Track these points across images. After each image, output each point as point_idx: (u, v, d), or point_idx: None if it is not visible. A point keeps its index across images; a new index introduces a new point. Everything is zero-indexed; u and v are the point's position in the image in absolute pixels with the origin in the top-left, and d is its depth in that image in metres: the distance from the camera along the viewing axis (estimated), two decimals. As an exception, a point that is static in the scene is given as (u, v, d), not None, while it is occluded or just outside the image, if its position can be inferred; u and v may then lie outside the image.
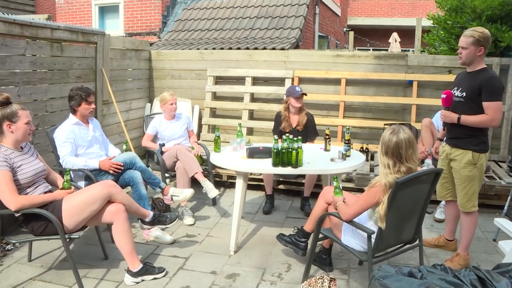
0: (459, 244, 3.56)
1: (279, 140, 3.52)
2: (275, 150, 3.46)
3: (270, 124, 5.89)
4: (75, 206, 2.99)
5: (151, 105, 6.55)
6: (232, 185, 5.39)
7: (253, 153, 3.75)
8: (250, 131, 6.27)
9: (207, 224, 4.33)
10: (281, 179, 5.08)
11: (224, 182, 5.44)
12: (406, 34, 12.40)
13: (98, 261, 3.51)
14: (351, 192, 3.50)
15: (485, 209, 4.56)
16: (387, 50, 11.46)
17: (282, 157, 3.47)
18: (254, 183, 5.22)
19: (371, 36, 14.98)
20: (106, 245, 3.59)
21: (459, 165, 3.30)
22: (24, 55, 4.18)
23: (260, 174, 4.86)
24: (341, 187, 3.10)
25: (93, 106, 3.91)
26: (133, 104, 6.24)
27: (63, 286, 3.15)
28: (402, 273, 1.83)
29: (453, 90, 3.33)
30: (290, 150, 3.44)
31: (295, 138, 3.48)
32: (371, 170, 4.96)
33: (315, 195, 4.65)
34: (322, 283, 2.89)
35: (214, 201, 4.85)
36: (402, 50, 11.25)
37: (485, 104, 3.13)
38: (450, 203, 3.65)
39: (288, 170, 3.50)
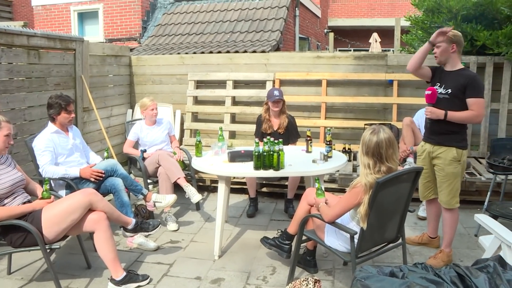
0: (442, 241, 3.60)
1: (260, 143, 3.52)
2: (257, 153, 3.46)
3: (253, 127, 5.88)
4: (55, 215, 2.94)
5: (133, 111, 6.50)
6: (216, 189, 5.33)
7: (235, 157, 3.74)
8: (233, 135, 6.27)
9: (191, 230, 4.30)
10: (264, 182, 5.08)
11: (208, 187, 5.42)
12: (386, 34, 12.52)
13: (80, 270, 3.45)
14: (334, 193, 3.52)
15: (466, 205, 4.62)
16: (367, 50, 11.58)
17: (263, 160, 3.47)
18: (238, 187, 5.20)
19: (351, 37, 15.12)
20: (89, 254, 3.53)
21: (444, 162, 3.34)
22: (-1, 63, 4.11)
23: (243, 177, 4.85)
24: (323, 188, 3.11)
25: (72, 115, 3.86)
26: (114, 111, 6.18)
27: (45, 298, 3.10)
28: (383, 273, 1.84)
29: (436, 87, 3.37)
30: (272, 152, 3.44)
31: (276, 141, 3.48)
32: (354, 170, 4.99)
33: (298, 197, 4.66)
34: (307, 285, 2.89)
35: (197, 206, 4.82)
36: (382, 50, 11.37)
37: (470, 100, 3.20)
38: (431, 201, 3.69)
39: (269, 173, 3.50)
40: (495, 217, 3.40)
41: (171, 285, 3.24)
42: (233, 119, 6.28)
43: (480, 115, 3.26)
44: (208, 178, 5.33)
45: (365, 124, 5.29)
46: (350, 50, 14.90)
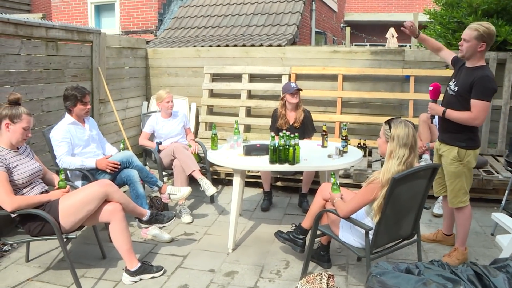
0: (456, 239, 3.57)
1: (276, 137, 3.51)
2: (272, 147, 3.45)
3: (268, 121, 5.87)
4: (72, 205, 2.98)
5: (148, 103, 6.53)
6: (230, 183, 5.37)
7: (250, 150, 3.74)
8: (248, 128, 6.26)
9: (205, 222, 4.32)
10: (279, 176, 5.07)
11: (222, 180, 5.43)
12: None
13: (96, 260, 3.50)
14: (349, 188, 3.49)
15: (483, 203, 4.57)
16: (384, 45, 11.44)
17: (279, 154, 3.46)
18: (252, 180, 5.21)
19: (368, 32, 14.96)
20: (104, 244, 3.58)
21: (446, 161, 3.31)
22: (19, 54, 4.16)
23: (258, 171, 4.85)
24: (338, 184, 3.09)
25: (88, 106, 3.89)
26: (130, 103, 6.22)
27: (61, 286, 3.14)
28: (399, 269, 1.82)
29: (450, 82, 3.32)
30: (287, 147, 3.43)
31: (292, 135, 3.47)
32: (369, 166, 4.96)
33: (313, 192, 4.65)
34: (321, 280, 2.89)
35: (212, 199, 4.84)
36: (399, 45, 11.22)
37: (473, 101, 3.09)
38: (446, 199, 3.65)
39: (285, 167, 3.49)
40: (513, 216, 3.34)
41: (185, 277, 3.26)
42: (248, 112, 6.27)
43: (478, 118, 3.10)
44: (222, 172, 5.34)
45: (385, 122, 5.23)
46: (366, 45, 14.74)
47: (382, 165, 4.91)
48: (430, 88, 3.26)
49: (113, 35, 6.07)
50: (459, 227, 3.41)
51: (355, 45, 14.78)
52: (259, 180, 5.02)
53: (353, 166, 4.67)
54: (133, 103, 6.33)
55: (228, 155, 3.77)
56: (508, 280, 1.65)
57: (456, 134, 3.22)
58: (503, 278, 1.66)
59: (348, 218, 2.74)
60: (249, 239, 3.95)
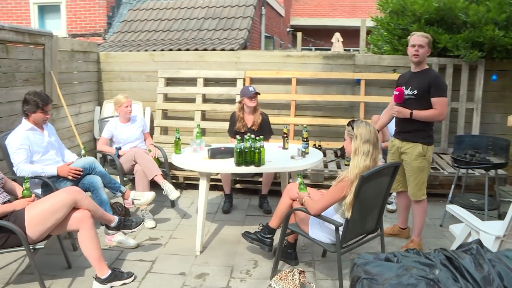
0: (412, 231, 3.83)
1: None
2: (238, 150, 3.53)
3: (223, 125, 5.97)
4: (39, 214, 2.90)
5: (101, 108, 6.38)
6: (189, 187, 5.42)
7: (215, 153, 3.80)
8: (203, 132, 6.28)
9: (168, 227, 4.32)
10: (238, 179, 5.16)
11: (181, 184, 5.43)
12: (347, 34, 12.90)
13: (61, 270, 3.40)
14: (319, 189, 3.64)
15: (430, 198, 4.85)
16: (329, 49, 11.87)
17: (245, 157, 3.55)
18: (212, 183, 5.23)
19: (313, 36, 15.41)
20: (68, 253, 3.49)
21: (411, 157, 3.56)
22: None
23: (217, 174, 4.90)
24: (304, 183, 3.23)
25: (48, 116, 3.77)
26: (82, 108, 6.05)
27: (27, 299, 3.05)
28: (379, 259, 1.97)
29: (403, 88, 3.57)
30: (253, 149, 3.53)
31: (257, 138, 3.57)
32: (325, 166, 5.16)
33: (272, 193, 4.81)
34: (293, 276, 3.03)
35: (172, 203, 4.83)
36: (344, 50, 11.70)
37: (434, 99, 3.43)
38: (401, 194, 3.91)
39: (251, 169, 3.59)
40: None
41: (156, 282, 3.26)
42: (203, 116, 6.31)
43: (443, 113, 3.51)
44: (181, 175, 5.34)
45: (349, 122, 5.45)
46: (312, 49, 15.19)
47: (337, 165, 5.17)
48: (396, 93, 3.49)
49: (65, 38, 5.88)
50: (416, 219, 3.69)
51: (302, 49, 15.19)
52: (218, 183, 5.08)
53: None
54: (85, 108, 6.16)
55: (193, 159, 3.80)
56: (473, 261, 1.85)
57: (419, 132, 3.53)
58: (469, 259, 1.86)
59: (318, 216, 2.88)
60: (215, 241, 4.00)
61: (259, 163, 3.56)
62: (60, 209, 2.95)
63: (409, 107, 3.49)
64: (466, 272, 1.80)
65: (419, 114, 3.46)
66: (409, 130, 3.57)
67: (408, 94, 3.53)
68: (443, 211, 4.37)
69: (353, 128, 2.86)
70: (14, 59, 4.59)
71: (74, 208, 3.06)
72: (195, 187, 5.28)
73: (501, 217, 4.17)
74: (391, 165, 2.99)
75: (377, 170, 2.79)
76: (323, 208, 2.85)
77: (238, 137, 3.62)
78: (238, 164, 3.56)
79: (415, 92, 3.49)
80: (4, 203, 2.99)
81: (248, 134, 3.66)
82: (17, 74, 4.64)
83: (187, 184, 5.37)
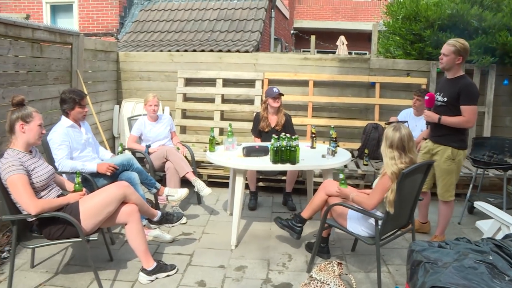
0: (436, 227, 4.00)
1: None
2: (275, 148, 3.69)
3: (242, 124, 6.14)
4: (92, 207, 3.02)
5: (120, 107, 6.49)
6: (212, 184, 5.54)
7: (250, 151, 3.96)
8: (222, 132, 6.43)
9: (199, 222, 4.46)
10: (261, 177, 5.30)
11: (204, 182, 5.54)
12: (350, 37, 13.10)
13: (104, 263, 3.53)
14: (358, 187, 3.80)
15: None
16: (334, 52, 12.07)
17: (281, 155, 3.71)
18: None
19: (316, 39, 15.61)
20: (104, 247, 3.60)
21: (440, 159, 3.72)
22: (7, 55, 4.06)
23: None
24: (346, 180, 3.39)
25: (86, 109, 3.90)
26: (102, 106, 6.17)
27: (76, 289, 3.17)
28: (433, 246, 2.15)
29: (436, 95, 3.75)
30: (289, 148, 3.69)
31: (293, 137, 3.73)
32: (345, 166, 5.32)
33: (295, 191, 4.99)
34: (332, 267, 3.19)
35: (199, 200, 4.98)
36: (349, 52, 11.91)
37: (462, 107, 3.54)
38: (422, 193, 4.07)
39: (287, 167, 3.75)
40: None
41: (198, 274, 3.40)
42: (222, 116, 6.45)
43: (471, 121, 3.59)
44: (205, 173, 5.48)
45: (385, 123, 5.58)
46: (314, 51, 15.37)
47: (356, 165, 5.35)
48: (427, 98, 3.66)
49: (89, 38, 5.99)
50: (442, 217, 3.86)
51: (303, 51, 15.39)
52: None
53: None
54: (106, 107, 6.28)
55: (229, 157, 3.95)
56: (522, 249, 2.04)
57: (450, 135, 3.65)
58: (519, 246, 2.05)
59: (362, 211, 3.05)
60: (247, 236, 4.15)
61: (294, 161, 3.72)
62: (111, 203, 3.08)
63: (439, 113, 3.63)
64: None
65: (447, 120, 3.60)
66: (440, 133, 3.70)
67: (439, 100, 3.68)
68: (460, 210, 4.57)
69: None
70: (47, 58, 4.71)
71: (123, 203, 3.19)
72: (219, 184, 5.46)
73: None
74: (425, 163, 3.16)
75: (415, 168, 2.96)
76: (378, 202, 3.01)
77: (274, 135, 3.77)
78: (275, 161, 3.72)
79: (445, 99, 3.63)
80: (58, 196, 3.11)
81: (284, 133, 3.81)
82: (49, 73, 4.75)
83: (211, 182, 5.50)
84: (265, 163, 3.80)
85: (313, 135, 4.40)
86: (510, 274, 1.80)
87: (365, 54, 9.51)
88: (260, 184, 5.38)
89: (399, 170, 2.90)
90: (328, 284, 3.04)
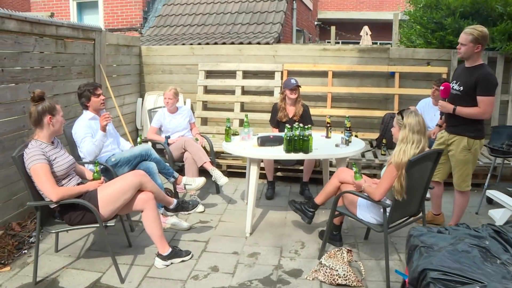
0: (451, 218, 3.98)
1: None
2: (288, 138, 3.76)
3: (261, 116, 6.21)
4: (110, 195, 3.17)
5: (142, 100, 6.68)
6: (231, 174, 5.67)
7: (264, 141, 4.03)
8: (241, 123, 6.51)
9: (216, 211, 4.58)
10: (279, 167, 5.37)
11: (223, 172, 5.66)
12: (375, 27, 12.95)
13: (123, 248, 3.69)
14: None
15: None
16: (358, 42, 11.96)
17: (294, 144, 3.77)
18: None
19: (340, 30, 15.51)
20: (122, 233, 3.76)
21: (456, 149, 3.68)
22: (33, 52, 4.26)
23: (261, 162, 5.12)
24: (360, 172, 3.42)
25: (102, 97, 4.04)
26: (125, 99, 6.36)
27: (97, 272, 3.33)
28: (432, 231, 2.18)
29: (452, 83, 3.68)
30: (302, 137, 3.75)
31: (306, 126, 3.79)
32: (362, 156, 5.34)
33: (312, 180, 5.04)
34: (341, 254, 3.25)
35: (217, 189, 5.10)
36: (372, 43, 11.78)
37: (478, 98, 3.45)
38: (435, 183, 4.03)
39: (300, 156, 3.81)
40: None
41: (211, 259, 3.52)
42: (242, 107, 6.54)
43: (486, 112, 3.46)
44: (224, 164, 5.60)
45: (397, 113, 5.58)
46: (339, 42, 15.26)
47: (374, 155, 5.35)
48: (442, 88, 3.60)
49: (112, 33, 6.18)
50: (457, 207, 3.83)
51: (327, 42, 15.27)
52: (261, 171, 5.28)
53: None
54: (129, 100, 6.47)
55: (244, 146, 4.03)
56: (521, 234, 2.05)
57: (465, 125, 3.58)
58: (518, 232, 2.05)
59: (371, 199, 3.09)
60: (262, 224, 4.24)
61: (307, 150, 3.77)
62: (128, 190, 3.22)
63: (455, 102, 3.57)
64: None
65: (462, 110, 3.52)
66: (456, 123, 3.64)
67: (454, 89, 3.61)
68: (478, 200, 4.52)
69: (402, 118, 3.04)
70: (70, 53, 4.90)
71: (139, 191, 3.33)
72: (238, 175, 5.57)
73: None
74: (434, 151, 3.16)
75: (423, 156, 2.97)
76: (385, 192, 3.03)
77: (287, 125, 3.84)
78: (288, 151, 3.79)
79: (461, 88, 3.55)
80: (78, 184, 3.28)
81: (297, 123, 3.86)
82: (73, 68, 4.95)
83: (229, 172, 5.61)
84: (278, 152, 3.87)
85: (328, 125, 4.43)
86: (503, 258, 1.82)
87: (389, 44, 9.39)
88: (278, 174, 5.45)
89: (413, 156, 2.90)
90: (337, 270, 3.10)
